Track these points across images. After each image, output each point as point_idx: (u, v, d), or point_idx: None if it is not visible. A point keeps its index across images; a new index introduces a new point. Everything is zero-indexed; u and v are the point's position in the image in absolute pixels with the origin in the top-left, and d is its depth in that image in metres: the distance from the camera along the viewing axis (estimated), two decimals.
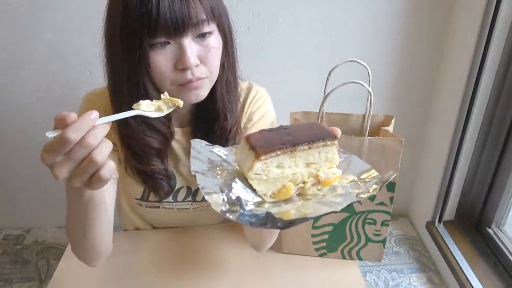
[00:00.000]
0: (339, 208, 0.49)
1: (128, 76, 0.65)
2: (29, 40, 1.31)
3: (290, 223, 0.46)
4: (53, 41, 1.31)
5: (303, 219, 0.47)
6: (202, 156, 0.58)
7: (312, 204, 0.52)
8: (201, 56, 0.65)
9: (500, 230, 1.38)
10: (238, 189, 0.52)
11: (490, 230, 1.39)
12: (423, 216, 1.61)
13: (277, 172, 0.53)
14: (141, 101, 0.50)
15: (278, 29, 1.35)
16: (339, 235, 0.86)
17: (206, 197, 0.48)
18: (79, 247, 0.69)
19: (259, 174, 0.52)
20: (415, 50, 1.43)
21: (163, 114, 0.53)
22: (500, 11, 1.16)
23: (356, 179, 0.58)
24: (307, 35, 1.37)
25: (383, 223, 0.84)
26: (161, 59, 0.63)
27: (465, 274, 1.29)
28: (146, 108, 0.50)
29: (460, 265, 1.33)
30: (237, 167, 0.58)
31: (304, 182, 0.56)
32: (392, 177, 0.54)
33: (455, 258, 1.36)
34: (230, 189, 0.51)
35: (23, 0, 1.24)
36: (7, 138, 1.49)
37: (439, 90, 1.49)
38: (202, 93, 0.69)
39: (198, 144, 0.61)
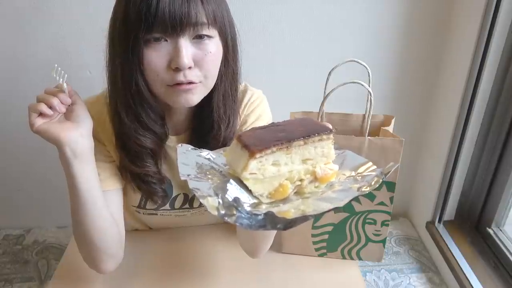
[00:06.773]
0: (342, 204, 0.47)
1: (122, 71, 0.65)
2: (30, 41, 1.31)
3: (291, 223, 0.43)
4: (54, 42, 1.31)
5: (304, 218, 0.44)
6: (189, 161, 0.56)
7: (312, 202, 0.51)
8: (196, 59, 0.63)
9: (500, 230, 1.38)
10: (233, 191, 0.50)
11: (490, 230, 1.39)
12: (423, 216, 1.61)
13: (273, 170, 0.52)
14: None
15: (277, 29, 1.35)
16: (339, 235, 0.86)
17: (201, 200, 0.46)
18: (84, 248, 0.71)
19: (254, 173, 0.51)
20: (415, 50, 1.43)
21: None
22: (500, 11, 1.16)
23: (354, 173, 0.56)
24: (306, 35, 1.37)
25: (383, 223, 0.84)
26: (155, 56, 0.62)
27: (465, 274, 1.29)
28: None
29: (460, 265, 1.33)
30: (228, 170, 0.56)
31: (301, 180, 0.54)
32: (393, 168, 0.53)
33: (455, 258, 1.36)
34: (225, 191, 0.49)
35: (24, 2, 1.24)
36: (7, 138, 1.49)
37: (439, 90, 1.49)
38: (194, 98, 0.66)
39: (184, 149, 0.60)
